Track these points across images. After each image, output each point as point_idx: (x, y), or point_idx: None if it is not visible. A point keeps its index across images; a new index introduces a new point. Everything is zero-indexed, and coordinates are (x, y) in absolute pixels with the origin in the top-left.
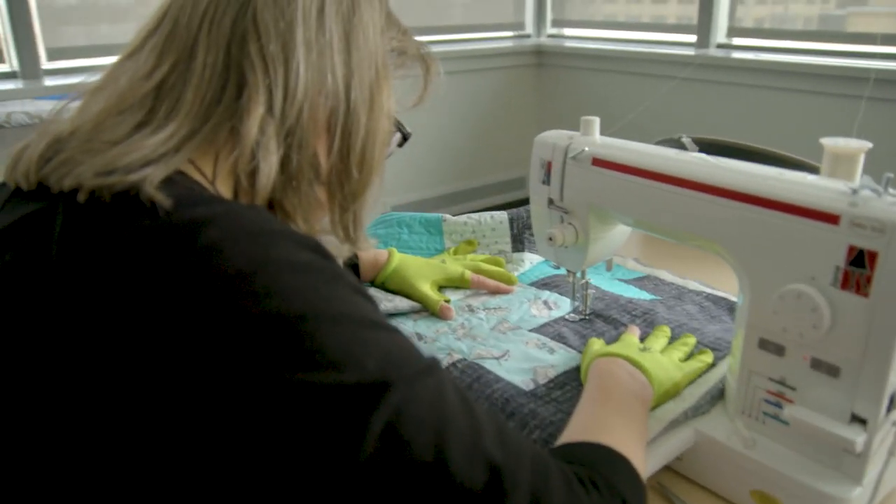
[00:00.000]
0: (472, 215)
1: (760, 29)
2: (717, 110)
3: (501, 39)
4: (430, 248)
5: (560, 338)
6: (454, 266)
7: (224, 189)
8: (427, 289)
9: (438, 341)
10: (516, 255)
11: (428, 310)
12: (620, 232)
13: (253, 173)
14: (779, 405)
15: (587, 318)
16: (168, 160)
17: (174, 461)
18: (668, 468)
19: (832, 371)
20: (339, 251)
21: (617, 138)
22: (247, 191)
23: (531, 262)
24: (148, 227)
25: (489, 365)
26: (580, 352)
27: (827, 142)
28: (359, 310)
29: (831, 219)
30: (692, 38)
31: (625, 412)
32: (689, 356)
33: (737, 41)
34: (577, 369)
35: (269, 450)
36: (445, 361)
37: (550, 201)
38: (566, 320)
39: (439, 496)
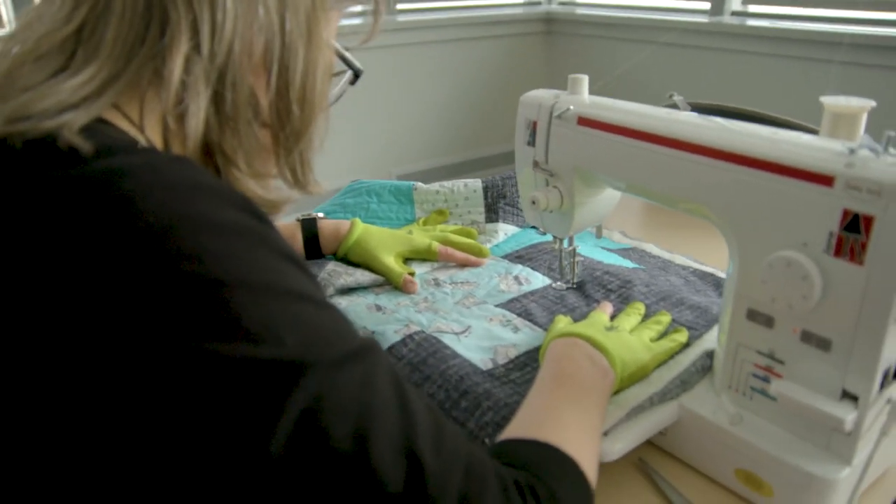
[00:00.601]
0: (445, 183)
1: None
2: (729, 79)
3: (511, 6)
4: (401, 218)
5: (526, 314)
6: (421, 237)
7: (154, 135)
8: (390, 261)
9: (398, 313)
10: (490, 225)
11: (391, 283)
12: (609, 197)
13: (182, 117)
14: (766, 380)
15: (574, 286)
16: (89, 105)
17: (81, 432)
18: (649, 443)
19: (823, 344)
20: (288, 195)
21: (607, 98)
22: (177, 135)
23: (505, 233)
24: (57, 177)
25: (448, 340)
26: (546, 330)
27: (827, 100)
28: (285, 279)
29: (825, 180)
30: (706, 5)
31: (579, 404)
32: (663, 335)
33: (753, 9)
34: (539, 349)
35: (173, 426)
36: (402, 332)
37: (535, 163)
38: (548, 292)
39: (358, 493)
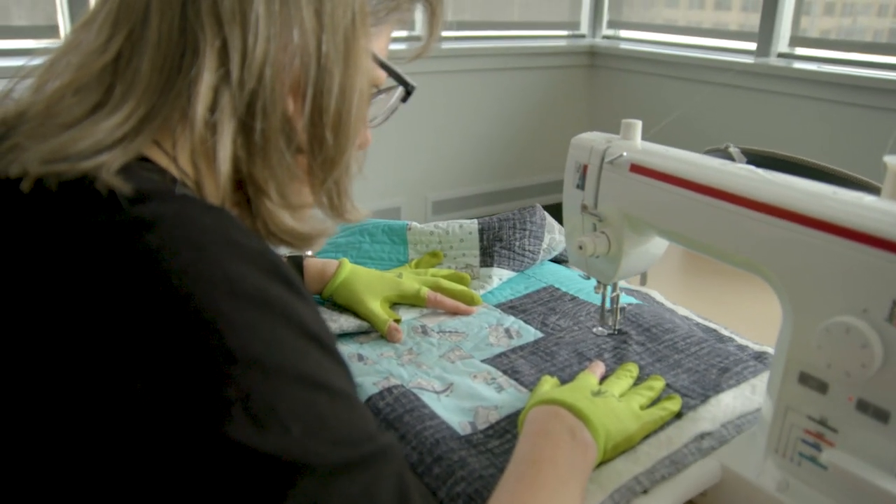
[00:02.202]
0: (440, 224)
1: (826, 39)
2: (774, 122)
3: (555, 38)
4: (393, 259)
5: (513, 372)
6: (410, 282)
7: (188, 168)
8: (376, 306)
9: (379, 364)
10: (484, 270)
11: (376, 330)
12: (656, 245)
13: (210, 149)
14: (817, 447)
15: (615, 332)
16: (126, 145)
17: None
18: (690, 503)
19: (880, 415)
20: (324, 227)
21: (660, 144)
22: (208, 168)
23: (500, 277)
24: (87, 224)
25: (427, 398)
26: (532, 389)
27: (891, 160)
28: (302, 363)
29: (889, 246)
30: (753, 45)
31: (556, 493)
32: (655, 402)
33: (799, 51)
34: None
35: (164, 495)
36: (381, 385)
37: (584, 207)
38: (538, 346)
39: None
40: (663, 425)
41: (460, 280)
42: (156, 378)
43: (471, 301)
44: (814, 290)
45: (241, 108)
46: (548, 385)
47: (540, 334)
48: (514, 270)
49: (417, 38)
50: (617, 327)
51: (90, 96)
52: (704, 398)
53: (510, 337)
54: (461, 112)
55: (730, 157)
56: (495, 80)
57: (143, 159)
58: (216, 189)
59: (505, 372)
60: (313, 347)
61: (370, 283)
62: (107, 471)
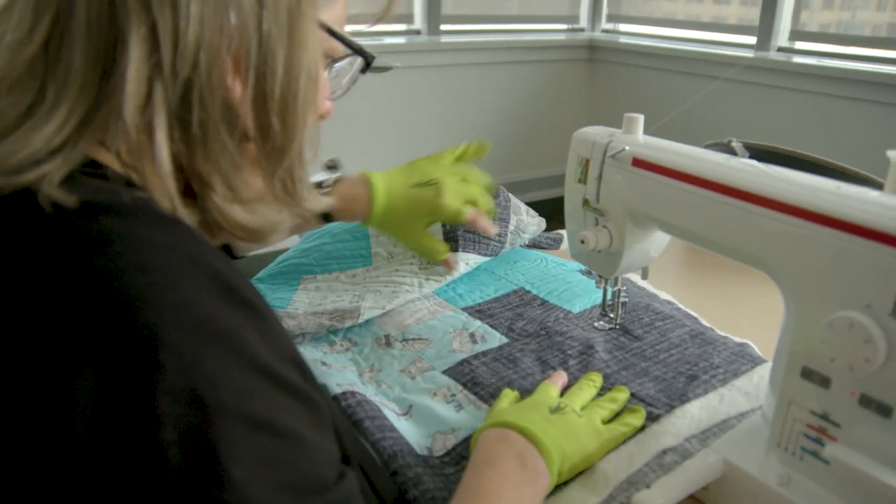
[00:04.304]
0: None
1: (825, 33)
2: (774, 116)
3: (554, 32)
4: (357, 255)
5: (472, 385)
6: (451, 200)
7: (131, 170)
8: (425, 238)
9: (343, 375)
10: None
11: (427, 260)
12: (658, 239)
13: (147, 148)
14: (820, 442)
15: (617, 327)
16: (68, 152)
17: None
18: (692, 498)
19: (883, 410)
20: (277, 219)
21: (662, 139)
22: (150, 170)
23: (466, 263)
24: (31, 243)
25: (387, 412)
26: (491, 405)
27: (894, 154)
28: (249, 401)
29: (894, 241)
30: (752, 39)
31: None
32: (617, 415)
33: (799, 45)
34: None
35: None
36: (345, 388)
37: (586, 202)
38: (502, 352)
39: None
40: (624, 440)
41: (480, 150)
42: (96, 409)
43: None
44: (817, 285)
45: (175, 100)
46: (506, 401)
47: (505, 339)
48: (482, 255)
49: (417, 32)
50: (618, 321)
51: (22, 97)
52: (670, 408)
53: (474, 342)
54: (459, 106)
55: (732, 152)
56: (494, 73)
57: (90, 162)
58: (163, 189)
59: (465, 385)
60: (264, 383)
61: (412, 207)
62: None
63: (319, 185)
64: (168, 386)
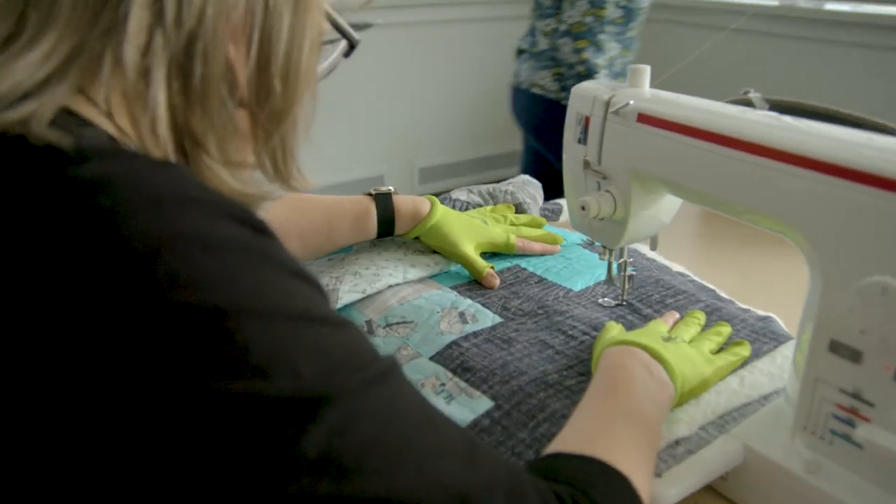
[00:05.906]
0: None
1: None
2: (801, 71)
3: None
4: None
5: (462, 370)
6: (498, 229)
7: (123, 122)
8: (471, 251)
9: None
10: None
11: (471, 274)
12: (668, 204)
13: (143, 96)
14: (851, 423)
15: (623, 304)
16: (53, 90)
17: (74, 464)
18: (709, 488)
19: None
20: (267, 190)
21: (670, 92)
22: (144, 119)
23: None
24: (27, 186)
25: None
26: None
27: None
28: (295, 300)
29: None
30: None
31: (633, 417)
32: (723, 348)
33: None
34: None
35: (180, 471)
36: None
37: (586, 164)
38: (495, 333)
39: None
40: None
41: (538, 224)
42: (145, 350)
43: (553, 241)
44: (845, 249)
45: (177, 50)
46: (615, 330)
47: (499, 319)
48: None
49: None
50: (625, 298)
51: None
52: (774, 345)
53: (464, 321)
54: (449, 67)
55: (749, 105)
56: (487, 29)
57: (68, 112)
58: (156, 143)
59: (454, 371)
60: (300, 283)
61: (463, 228)
62: (116, 462)
63: (380, 190)
64: (212, 308)
